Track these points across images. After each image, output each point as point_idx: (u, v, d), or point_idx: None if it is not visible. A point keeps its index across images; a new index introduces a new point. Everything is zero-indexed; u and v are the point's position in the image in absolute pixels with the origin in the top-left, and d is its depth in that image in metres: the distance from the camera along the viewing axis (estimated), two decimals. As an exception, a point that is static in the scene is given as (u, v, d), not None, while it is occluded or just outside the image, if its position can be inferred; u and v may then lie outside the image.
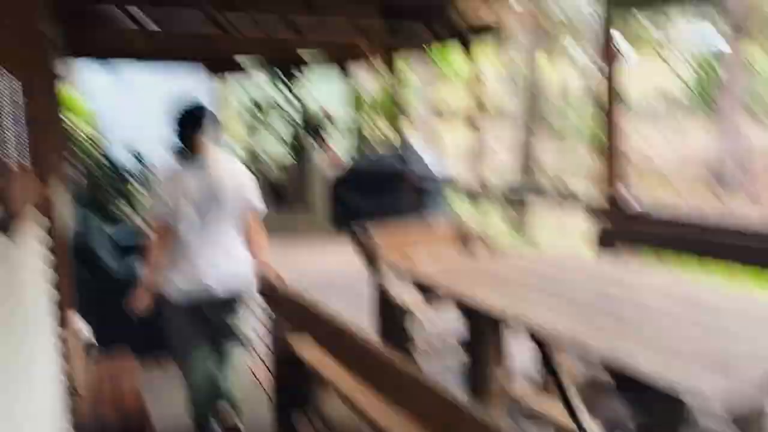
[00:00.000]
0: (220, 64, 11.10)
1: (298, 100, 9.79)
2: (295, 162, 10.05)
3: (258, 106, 10.95)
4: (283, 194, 9.62)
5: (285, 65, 10.08)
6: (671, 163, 15.56)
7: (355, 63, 10.22)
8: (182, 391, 3.07)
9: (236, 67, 11.26)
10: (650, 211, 3.50)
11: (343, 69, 10.69)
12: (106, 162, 7.43)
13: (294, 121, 10.77)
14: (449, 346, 3.17)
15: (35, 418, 2.04)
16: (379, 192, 8.71)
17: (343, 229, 9.15)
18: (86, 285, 4.05)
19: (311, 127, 10.43)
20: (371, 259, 3.61)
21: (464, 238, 3.77)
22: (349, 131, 11.08)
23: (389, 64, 9.46)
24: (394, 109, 10.88)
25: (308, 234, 9.29)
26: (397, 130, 9.50)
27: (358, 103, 10.80)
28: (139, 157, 7.28)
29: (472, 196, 8.17)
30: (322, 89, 11.98)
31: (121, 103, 13.46)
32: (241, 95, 11.40)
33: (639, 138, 14.70)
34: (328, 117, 10.94)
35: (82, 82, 14.11)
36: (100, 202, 6.94)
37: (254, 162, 10.73)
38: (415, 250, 3.71)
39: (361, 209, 8.90)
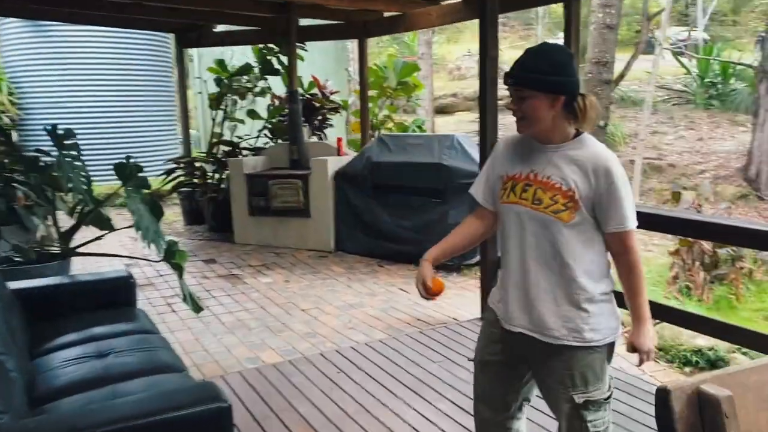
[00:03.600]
0: (192, 34, 8.46)
1: (290, 76, 7.27)
2: (277, 148, 7.49)
3: (234, 81, 8.33)
4: (264, 192, 7.03)
5: (276, 37, 7.52)
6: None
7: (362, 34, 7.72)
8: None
9: (212, 39, 8.63)
10: None
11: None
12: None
13: (282, 100, 8.25)
14: None
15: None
16: (405, 195, 6.31)
17: (351, 248, 6.72)
18: None
19: (307, 108, 7.93)
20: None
21: None
22: (355, 115, 8.63)
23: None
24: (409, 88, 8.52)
25: (304, 252, 6.82)
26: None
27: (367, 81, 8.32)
28: (61, 135, 4.46)
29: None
30: (320, 64, 9.51)
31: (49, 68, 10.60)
32: (211, 68, 8.74)
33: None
34: (327, 96, 8.46)
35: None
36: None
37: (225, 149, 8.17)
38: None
39: (381, 218, 6.50)
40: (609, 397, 2.00)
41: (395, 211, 6.39)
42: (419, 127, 8.70)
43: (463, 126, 19.72)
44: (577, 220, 1.87)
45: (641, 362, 1.95)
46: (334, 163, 6.81)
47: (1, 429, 1.79)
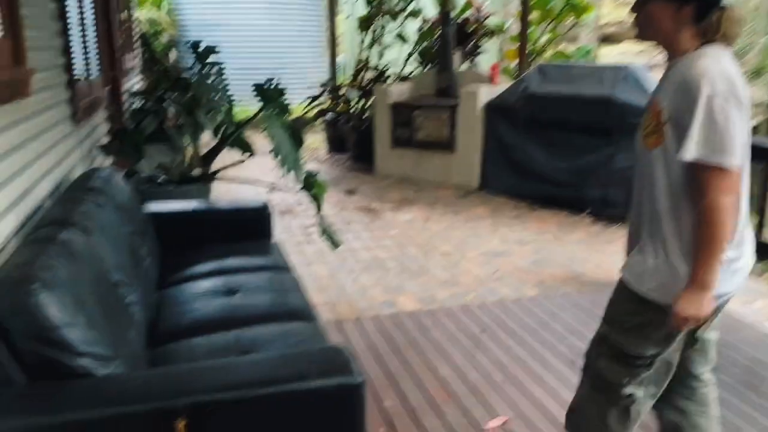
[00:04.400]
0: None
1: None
2: (425, 76, 6.95)
3: (384, 2, 7.83)
4: (408, 122, 6.61)
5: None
6: None
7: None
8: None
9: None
10: None
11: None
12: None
13: (434, 23, 7.65)
14: None
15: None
16: (566, 133, 5.60)
17: (497, 188, 6.17)
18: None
19: (459, 32, 7.29)
20: None
21: None
22: (513, 40, 7.87)
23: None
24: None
25: (445, 188, 6.37)
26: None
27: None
28: (202, 52, 4.27)
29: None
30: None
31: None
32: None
33: None
34: (481, 19, 7.73)
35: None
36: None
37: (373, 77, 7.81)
38: None
39: (534, 156, 5.86)
40: (639, 366, 1.72)
41: (552, 150, 5.71)
42: (586, 56, 7.75)
43: (628, 57, 17.91)
44: (662, 148, 1.59)
45: (670, 327, 1.63)
46: (485, 94, 6.20)
47: (101, 379, 1.57)
